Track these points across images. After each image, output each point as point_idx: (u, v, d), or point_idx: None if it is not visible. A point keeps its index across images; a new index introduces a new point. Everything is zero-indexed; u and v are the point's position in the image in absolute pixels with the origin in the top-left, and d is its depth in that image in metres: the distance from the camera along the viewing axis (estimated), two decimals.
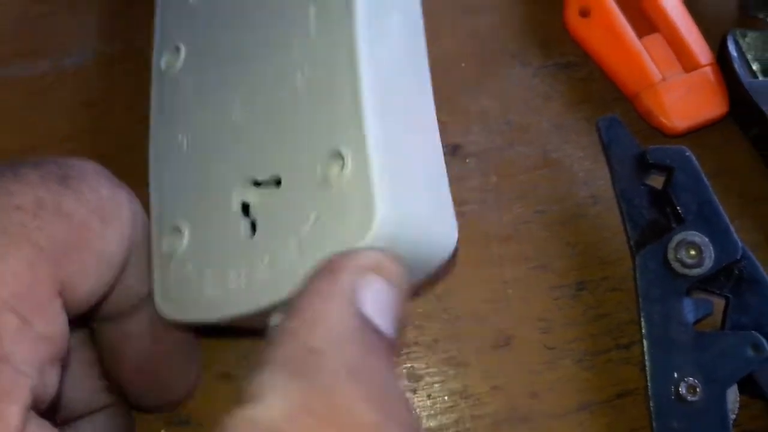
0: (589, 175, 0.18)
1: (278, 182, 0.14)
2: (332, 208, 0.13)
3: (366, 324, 0.12)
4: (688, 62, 0.19)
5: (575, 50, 0.20)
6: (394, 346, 0.12)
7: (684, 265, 0.17)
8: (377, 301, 0.12)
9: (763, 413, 0.16)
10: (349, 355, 0.11)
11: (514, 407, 0.16)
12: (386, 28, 0.14)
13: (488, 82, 0.19)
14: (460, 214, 0.17)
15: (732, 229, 0.17)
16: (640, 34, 0.19)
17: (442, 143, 0.15)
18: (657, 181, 0.17)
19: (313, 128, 0.13)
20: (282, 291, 0.13)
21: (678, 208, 0.17)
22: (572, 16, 0.20)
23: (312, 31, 0.14)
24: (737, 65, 0.19)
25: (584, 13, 0.20)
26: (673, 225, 0.17)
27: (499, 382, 0.16)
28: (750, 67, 0.19)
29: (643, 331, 0.16)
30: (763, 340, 0.16)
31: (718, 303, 0.17)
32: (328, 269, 0.12)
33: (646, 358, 0.16)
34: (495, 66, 0.20)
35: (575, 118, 0.19)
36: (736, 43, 0.20)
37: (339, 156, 0.13)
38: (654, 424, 0.16)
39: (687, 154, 0.17)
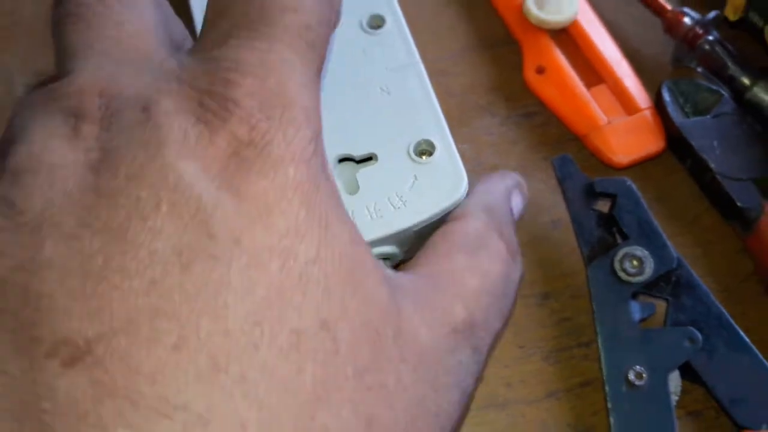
0: (549, 204, 0.22)
1: (370, 159, 0.19)
2: (429, 176, 0.19)
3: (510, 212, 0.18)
4: (629, 107, 0.23)
5: (534, 101, 0.23)
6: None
7: (628, 274, 0.20)
8: (516, 205, 0.19)
9: (702, 397, 0.20)
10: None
11: (493, 395, 0.19)
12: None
13: (463, 129, 0.23)
14: None
15: (668, 243, 0.20)
16: (588, 85, 0.23)
17: None
18: (604, 206, 0.21)
19: (400, 122, 0.20)
20: (381, 230, 0.18)
21: (622, 227, 0.21)
22: (530, 74, 0.24)
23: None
24: (671, 109, 0.23)
25: (540, 71, 0.23)
26: (619, 241, 0.20)
27: (488, 378, 0.20)
28: (683, 109, 0.23)
29: (597, 330, 0.20)
30: (698, 334, 0.20)
31: (660, 305, 0.20)
32: (501, 174, 0.19)
33: (601, 352, 0.19)
34: (468, 117, 0.23)
35: (536, 158, 0.22)
36: (670, 91, 0.23)
37: (428, 143, 0.19)
38: (609, 406, 0.19)
39: (628, 183, 0.21)
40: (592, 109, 0.23)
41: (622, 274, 0.20)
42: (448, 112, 0.21)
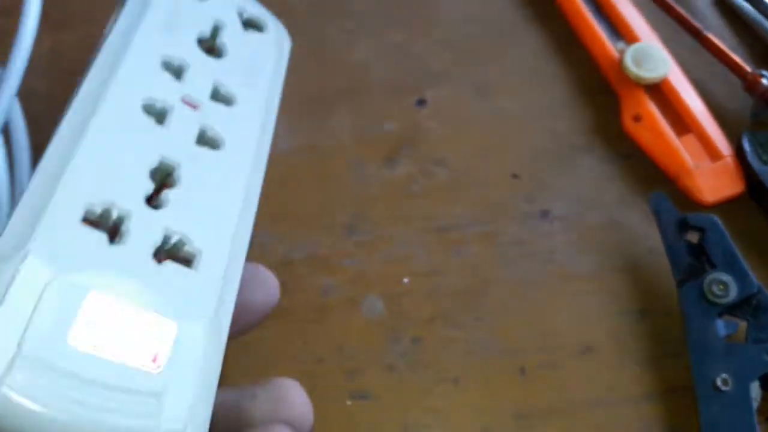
0: (645, 234, 0.25)
1: None
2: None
3: None
4: (714, 154, 0.26)
5: (630, 145, 0.27)
6: None
7: (715, 296, 0.23)
8: None
9: None
10: None
11: (596, 396, 0.23)
12: None
13: (567, 167, 0.27)
14: (551, 261, 0.24)
15: (749, 271, 0.24)
16: (678, 134, 0.27)
17: (540, 209, 0.22)
18: (693, 237, 0.24)
19: None
20: None
21: (710, 257, 0.24)
22: (627, 121, 0.27)
23: None
24: (750, 156, 0.26)
25: (637, 119, 0.27)
26: (707, 269, 0.24)
27: (593, 380, 0.23)
28: (760, 158, 0.27)
29: (688, 343, 0.23)
30: None
31: (742, 324, 0.23)
32: None
33: (691, 361, 0.23)
34: (571, 156, 0.27)
35: (632, 193, 0.26)
36: (749, 141, 0.27)
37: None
38: (699, 408, 0.22)
39: (715, 219, 0.24)
40: (682, 155, 0.26)
41: (710, 296, 0.23)
42: (552, 150, 0.24)
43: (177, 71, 0.21)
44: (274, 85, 0.23)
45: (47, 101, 0.29)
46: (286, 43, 0.24)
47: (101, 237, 0.17)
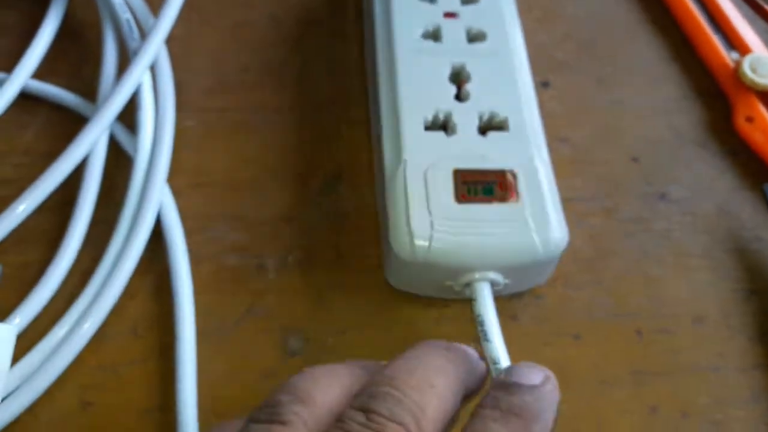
0: (755, 224, 0.27)
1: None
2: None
3: None
4: None
5: (741, 143, 0.29)
6: None
7: None
8: None
9: None
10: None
11: (709, 362, 0.24)
12: None
13: (683, 157, 0.29)
14: (667, 238, 0.26)
15: None
16: None
17: (658, 191, 0.24)
18: None
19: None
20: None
21: None
22: (740, 121, 0.29)
23: None
24: None
25: (749, 120, 0.29)
26: None
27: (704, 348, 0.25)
28: None
29: None
30: None
31: None
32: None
33: None
34: (687, 148, 0.29)
35: (743, 187, 0.28)
36: None
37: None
38: None
39: None
40: None
41: None
42: (669, 141, 0.26)
43: None
44: None
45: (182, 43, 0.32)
46: None
47: (440, 134, 0.25)
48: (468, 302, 0.24)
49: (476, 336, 0.24)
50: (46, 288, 0.25)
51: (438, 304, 0.25)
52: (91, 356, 0.24)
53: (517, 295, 0.25)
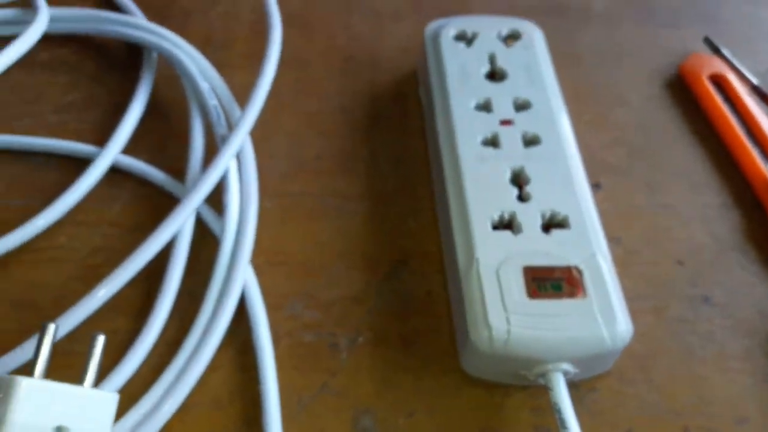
0: None
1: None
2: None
3: None
4: None
5: None
6: None
7: None
8: None
9: None
10: None
11: None
12: None
13: (724, 262, 0.31)
14: (710, 340, 0.28)
15: None
16: None
17: (701, 294, 0.27)
18: None
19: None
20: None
21: None
22: None
23: None
24: None
25: None
26: None
27: None
28: None
29: None
30: None
31: None
32: None
33: None
34: (727, 254, 0.31)
35: None
36: None
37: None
38: None
39: None
40: None
41: None
42: (711, 246, 0.28)
43: (486, 106, 0.32)
44: (547, 69, 0.34)
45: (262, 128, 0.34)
46: (537, 34, 0.35)
47: (507, 233, 0.28)
48: (534, 389, 0.26)
49: (535, 426, 0.26)
50: (135, 357, 0.27)
51: (503, 390, 0.27)
52: (177, 425, 0.26)
53: (574, 388, 0.27)
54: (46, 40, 0.38)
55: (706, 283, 0.30)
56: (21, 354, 0.26)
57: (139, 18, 0.38)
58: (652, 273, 0.30)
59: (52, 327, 0.21)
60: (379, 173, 0.33)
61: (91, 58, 0.38)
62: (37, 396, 0.20)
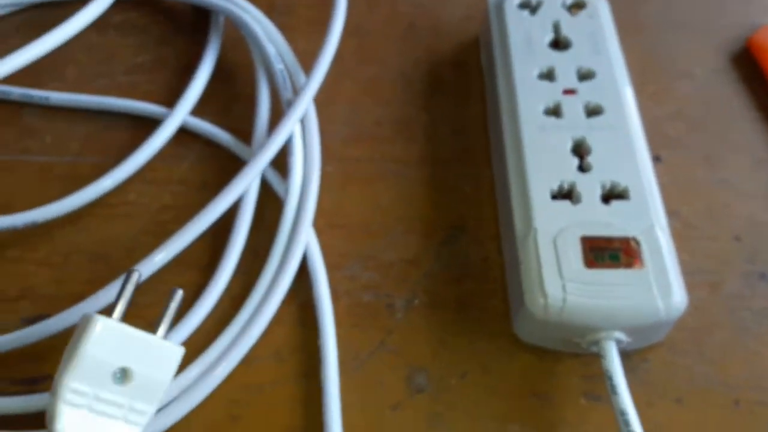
0: None
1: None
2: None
3: None
4: None
5: None
6: None
7: None
8: None
9: None
10: None
11: None
12: None
13: None
14: (766, 316, 0.28)
15: None
16: None
17: (758, 270, 0.26)
18: None
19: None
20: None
21: None
22: None
23: None
24: None
25: None
26: None
27: None
28: None
29: None
30: None
31: None
32: None
33: None
34: None
35: None
36: None
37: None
38: None
39: None
40: None
41: None
42: (762, 230, 0.28)
43: (550, 75, 0.32)
44: (612, 39, 0.34)
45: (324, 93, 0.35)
46: (602, 3, 0.35)
47: (566, 203, 0.28)
48: (586, 356, 0.27)
49: (585, 392, 0.27)
50: (201, 310, 0.28)
51: (554, 356, 0.28)
52: (240, 375, 0.27)
53: (626, 357, 0.27)
54: (119, 3, 0.39)
55: (763, 260, 0.30)
56: (95, 301, 0.27)
57: None
58: (710, 248, 0.30)
59: (136, 274, 0.22)
60: (438, 140, 0.34)
61: (159, 22, 0.39)
62: (111, 335, 0.21)
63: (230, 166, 0.32)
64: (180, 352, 0.23)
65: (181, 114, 0.33)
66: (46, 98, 0.35)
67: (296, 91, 0.33)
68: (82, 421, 0.21)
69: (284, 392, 0.27)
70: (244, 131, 0.33)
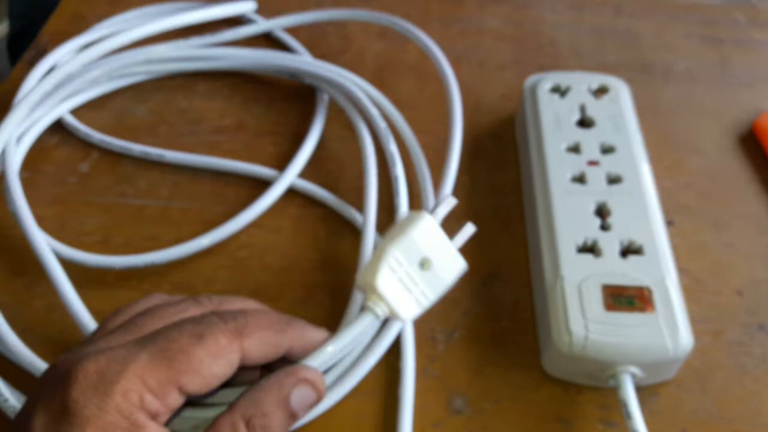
0: None
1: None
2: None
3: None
4: None
5: None
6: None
7: None
8: (300, 398, 0.25)
9: None
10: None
11: None
12: None
13: None
14: (764, 362, 0.32)
15: None
16: None
17: (758, 322, 0.31)
18: None
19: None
20: None
21: None
22: None
23: None
24: None
25: None
26: None
27: None
28: None
29: None
30: None
31: None
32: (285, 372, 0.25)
33: None
34: None
35: None
36: None
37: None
38: None
39: None
40: None
41: None
42: (762, 287, 0.33)
43: (576, 149, 0.37)
44: (631, 119, 0.39)
45: None
46: (624, 89, 0.40)
47: (589, 257, 0.33)
48: (604, 390, 0.31)
49: (602, 419, 0.31)
50: None
51: (576, 388, 0.32)
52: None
53: (639, 391, 0.31)
54: (204, 74, 0.46)
55: (762, 313, 0.34)
56: None
57: (306, 56, 0.45)
58: (714, 301, 0.35)
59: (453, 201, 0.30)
60: (477, 198, 0.39)
61: (241, 91, 0.45)
62: (430, 231, 0.29)
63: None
64: (464, 265, 0.30)
65: (291, 175, 0.39)
66: (161, 156, 0.41)
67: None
68: (391, 285, 0.27)
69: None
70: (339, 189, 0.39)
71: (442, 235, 0.29)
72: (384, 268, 0.27)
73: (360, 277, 0.28)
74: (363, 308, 0.28)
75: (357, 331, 0.27)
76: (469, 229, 0.30)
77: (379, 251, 0.28)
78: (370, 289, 0.27)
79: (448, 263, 0.29)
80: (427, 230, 0.28)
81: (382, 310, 0.27)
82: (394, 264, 0.27)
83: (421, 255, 0.28)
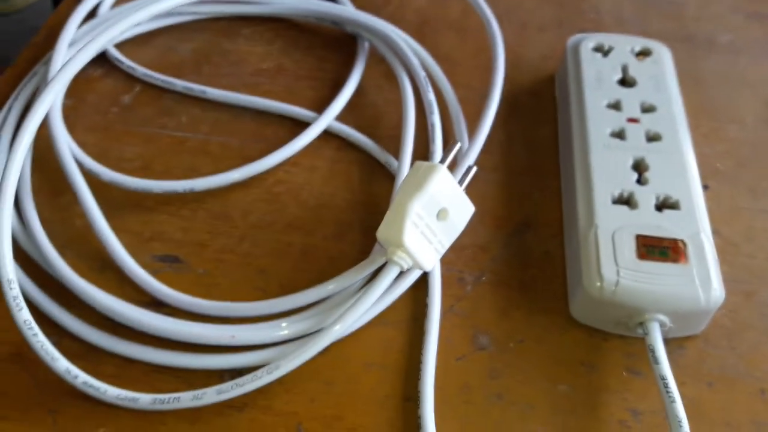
0: None
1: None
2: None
3: None
4: None
5: None
6: None
7: None
8: None
9: None
10: None
11: None
12: None
13: None
14: None
15: None
16: None
17: None
18: None
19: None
20: None
21: None
22: None
23: None
24: None
25: None
26: None
27: None
28: None
29: None
30: None
31: None
32: None
33: None
34: None
35: None
36: None
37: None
38: None
39: None
40: None
41: None
42: None
43: (616, 106, 0.36)
44: (673, 83, 0.39)
45: None
46: (666, 53, 0.40)
47: (624, 208, 0.33)
48: (630, 338, 0.31)
49: (627, 367, 0.31)
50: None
51: (602, 334, 0.32)
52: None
53: (666, 343, 0.31)
54: (249, 18, 0.46)
55: None
56: None
57: (348, 5, 0.46)
58: (748, 263, 0.34)
59: (458, 144, 0.31)
60: (513, 153, 0.39)
61: (282, 36, 0.46)
62: (444, 182, 0.29)
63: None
64: (472, 210, 0.31)
65: (329, 117, 0.39)
66: (203, 92, 0.41)
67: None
68: (415, 239, 0.28)
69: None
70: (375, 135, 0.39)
71: (454, 183, 0.30)
72: (408, 225, 0.28)
73: (383, 232, 0.29)
74: (387, 261, 0.29)
75: (384, 286, 0.29)
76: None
77: (399, 206, 0.28)
78: (396, 245, 0.28)
79: (461, 210, 0.30)
80: (442, 181, 0.29)
81: (406, 263, 0.29)
82: (416, 219, 0.28)
83: (439, 206, 0.29)
